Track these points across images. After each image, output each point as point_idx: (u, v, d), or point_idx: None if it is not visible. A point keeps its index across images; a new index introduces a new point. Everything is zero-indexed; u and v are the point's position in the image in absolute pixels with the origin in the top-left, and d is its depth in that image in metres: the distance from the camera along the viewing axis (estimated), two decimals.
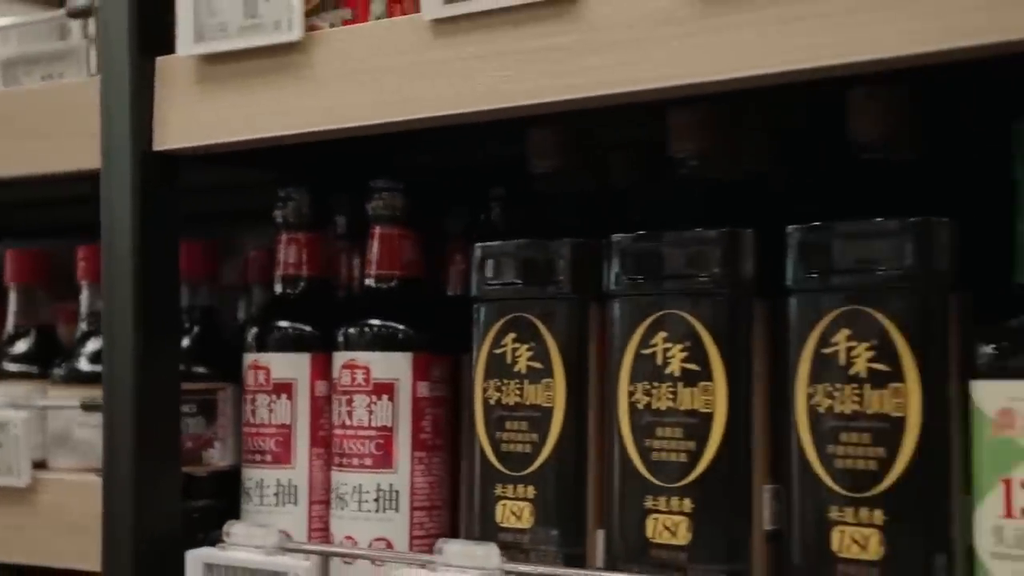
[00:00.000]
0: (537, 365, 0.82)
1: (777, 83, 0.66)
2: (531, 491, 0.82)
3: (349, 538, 0.90)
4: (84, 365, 1.09)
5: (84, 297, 1.13)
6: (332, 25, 0.86)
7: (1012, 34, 0.57)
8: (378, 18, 0.85)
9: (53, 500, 0.99)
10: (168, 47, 0.90)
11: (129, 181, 0.90)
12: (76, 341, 1.12)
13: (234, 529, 0.89)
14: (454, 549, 0.77)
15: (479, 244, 0.85)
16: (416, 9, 0.79)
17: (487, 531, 0.83)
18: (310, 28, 0.86)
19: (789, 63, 0.64)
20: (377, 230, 0.94)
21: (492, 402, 0.84)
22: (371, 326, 0.91)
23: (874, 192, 0.72)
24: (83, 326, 1.13)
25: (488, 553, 0.76)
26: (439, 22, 0.77)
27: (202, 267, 1.08)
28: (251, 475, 0.97)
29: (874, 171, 0.72)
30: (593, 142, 0.87)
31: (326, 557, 0.90)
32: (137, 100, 0.90)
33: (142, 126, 0.91)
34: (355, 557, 0.87)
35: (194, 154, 0.91)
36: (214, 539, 0.90)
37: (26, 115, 1.00)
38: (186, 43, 0.87)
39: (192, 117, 0.89)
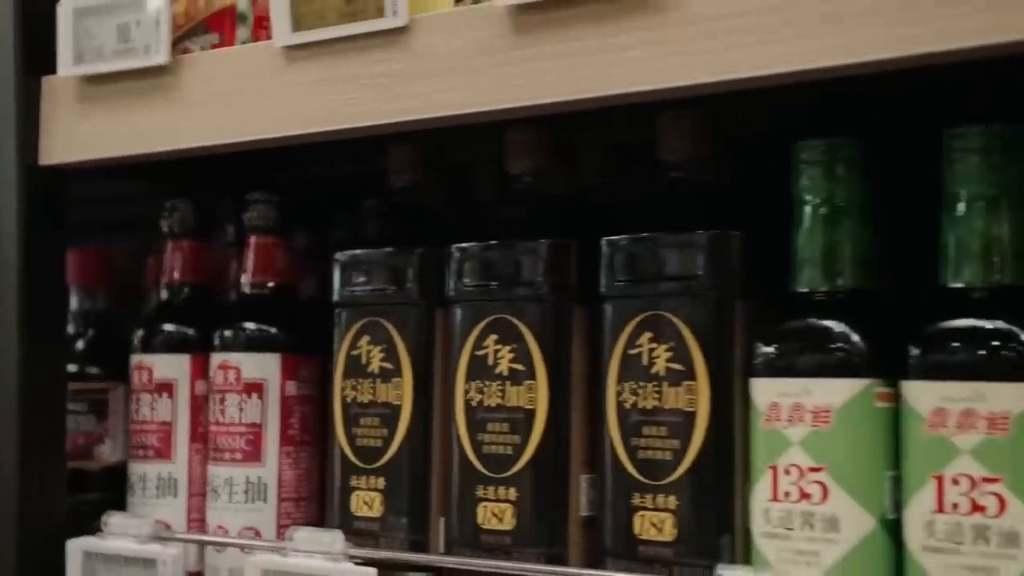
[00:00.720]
0: (388, 365, 0.88)
1: (583, 108, 0.73)
2: (381, 482, 0.88)
3: (221, 527, 0.96)
4: None
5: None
6: (202, 48, 0.92)
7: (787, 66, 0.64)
8: (244, 43, 0.91)
9: None
10: (53, 67, 0.96)
11: (15, 193, 0.96)
12: None
13: (112, 520, 0.95)
14: (302, 536, 0.84)
15: (339, 253, 0.92)
16: None
17: (344, 520, 0.89)
18: (183, 51, 0.92)
19: (579, 92, 0.70)
20: (252, 239, 1.00)
21: (349, 400, 0.90)
22: (243, 329, 0.98)
23: (680, 207, 0.79)
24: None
25: (333, 539, 0.83)
26: (289, 48, 0.83)
27: (96, 274, 1.14)
28: (135, 469, 1.03)
29: (679, 188, 0.79)
30: (447, 159, 0.93)
31: (200, 545, 0.96)
32: (23, 117, 0.96)
33: (28, 142, 0.96)
34: (222, 545, 0.93)
35: (80, 168, 0.97)
36: (95, 529, 0.96)
37: None
38: (66, 65, 0.93)
39: (74, 134, 0.95)
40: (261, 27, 0.92)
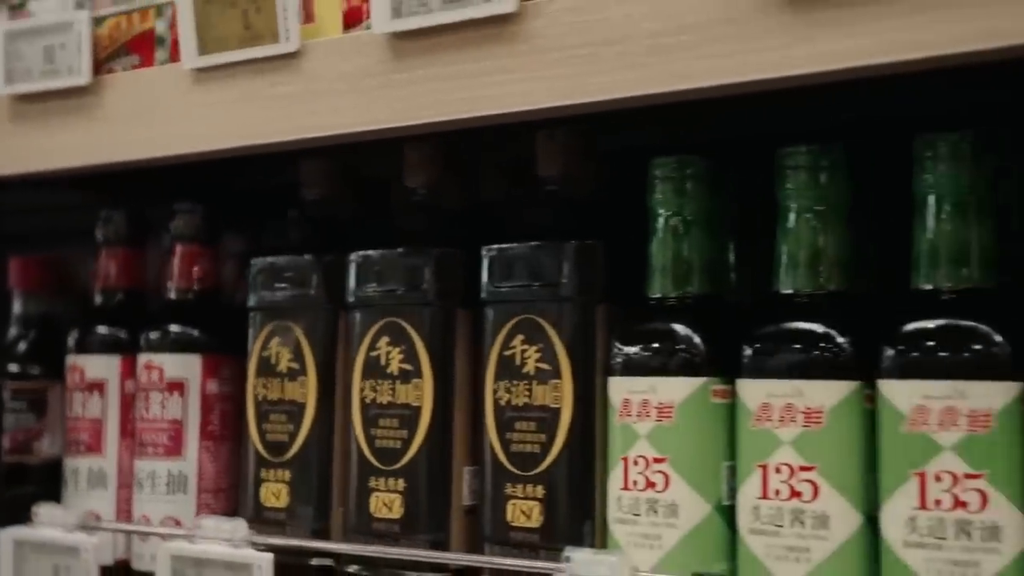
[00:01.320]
0: (295, 365, 0.95)
1: (455, 127, 0.79)
2: (288, 475, 0.94)
3: (145, 517, 1.02)
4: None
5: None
6: (124, 69, 0.98)
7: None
8: (162, 64, 0.97)
9: None
10: None
11: None
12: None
13: (41, 510, 1.01)
14: (209, 524, 0.90)
15: (253, 260, 0.98)
16: None
17: (256, 510, 0.95)
18: (108, 71, 0.98)
19: (451, 114, 0.77)
20: (177, 247, 1.06)
21: (260, 398, 0.96)
22: (166, 331, 1.04)
23: (555, 219, 0.85)
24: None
25: (235, 527, 0.89)
26: (196, 71, 0.89)
27: (38, 280, 1.20)
28: (69, 464, 1.09)
29: (553, 201, 0.85)
30: (353, 173, 1.00)
31: (127, 534, 1.03)
32: None
33: None
34: (139, 533, 0.99)
35: (14, 180, 1.03)
36: (27, 519, 1.02)
37: None
38: None
39: (7, 149, 1.01)
40: (177, 49, 0.98)
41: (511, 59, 0.74)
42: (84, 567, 0.97)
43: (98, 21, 1.00)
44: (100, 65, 0.99)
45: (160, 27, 0.98)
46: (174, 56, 0.98)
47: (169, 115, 0.91)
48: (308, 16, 0.87)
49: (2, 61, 0.99)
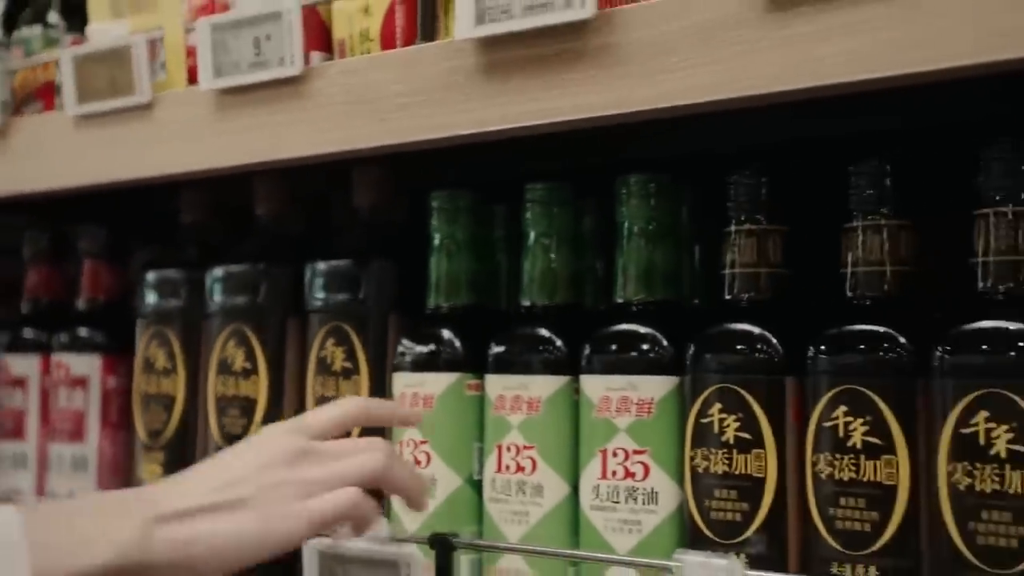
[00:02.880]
0: (168, 365, 1.10)
1: (263, 168, 0.95)
2: (163, 457, 1.10)
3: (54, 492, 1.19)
4: None
5: None
6: (31, 114, 1.14)
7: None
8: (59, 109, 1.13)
9: None
10: None
11: None
12: None
13: None
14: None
15: (146, 274, 1.14)
16: None
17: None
18: (20, 115, 1.14)
19: (258, 157, 0.92)
20: (86, 263, 1.23)
21: (139, 393, 1.12)
22: (73, 334, 1.20)
23: (367, 241, 1.00)
24: None
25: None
26: (77, 117, 1.05)
27: None
28: None
29: (369, 226, 1.00)
30: (220, 203, 1.15)
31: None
32: None
33: None
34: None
35: None
36: None
37: None
38: None
39: None
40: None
41: (302, 112, 0.89)
42: None
43: (10, 73, 1.16)
44: (17, 108, 1.16)
45: (59, 78, 1.13)
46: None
47: (63, 154, 1.07)
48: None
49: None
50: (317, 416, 0.79)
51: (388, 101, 0.84)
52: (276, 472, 0.75)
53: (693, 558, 0.71)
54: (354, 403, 0.82)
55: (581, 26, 0.74)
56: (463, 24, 0.79)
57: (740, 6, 0.68)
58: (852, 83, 0.63)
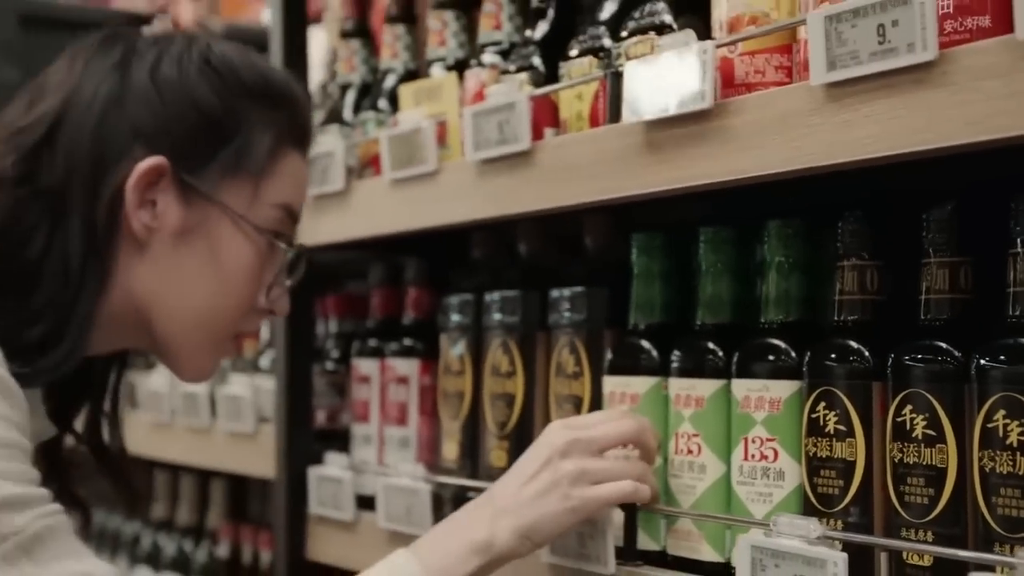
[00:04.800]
0: (459, 367, 1.39)
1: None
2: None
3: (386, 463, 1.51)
4: None
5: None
6: (369, 177, 1.47)
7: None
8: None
9: None
10: None
11: None
12: None
13: (329, 457, 1.52)
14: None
15: (446, 297, 1.44)
16: None
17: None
18: (359, 177, 1.48)
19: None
20: (409, 288, 1.55)
21: (442, 389, 1.42)
22: (400, 343, 1.52)
23: (591, 272, 1.24)
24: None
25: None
26: (392, 181, 1.36)
27: (342, 309, 1.73)
28: (356, 430, 1.60)
29: (592, 260, 1.24)
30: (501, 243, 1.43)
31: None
32: None
33: None
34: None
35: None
36: (319, 462, 1.54)
37: None
38: None
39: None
40: None
41: (533, 176, 1.15)
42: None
43: (355, 146, 1.49)
44: (360, 173, 1.49)
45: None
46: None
47: (378, 207, 1.39)
48: None
49: None
50: (602, 431, 1.04)
51: (585, 169, 1.08)
52: (561, 465, 1.02)
53: (785, 518, 0.90)
54: (631, 426, 1.05)
55: (705, 113, 0.95)
56: (628, 111, 1.02)
57: (807, 100, 0.87)
58: (875, 158, 0.81)
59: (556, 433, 1.05)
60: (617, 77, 1.06)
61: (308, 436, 1.61)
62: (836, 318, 0.97)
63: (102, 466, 1.16)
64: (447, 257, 1.57)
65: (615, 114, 1.08)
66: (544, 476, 1.03)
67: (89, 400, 1.15)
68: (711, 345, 1.07)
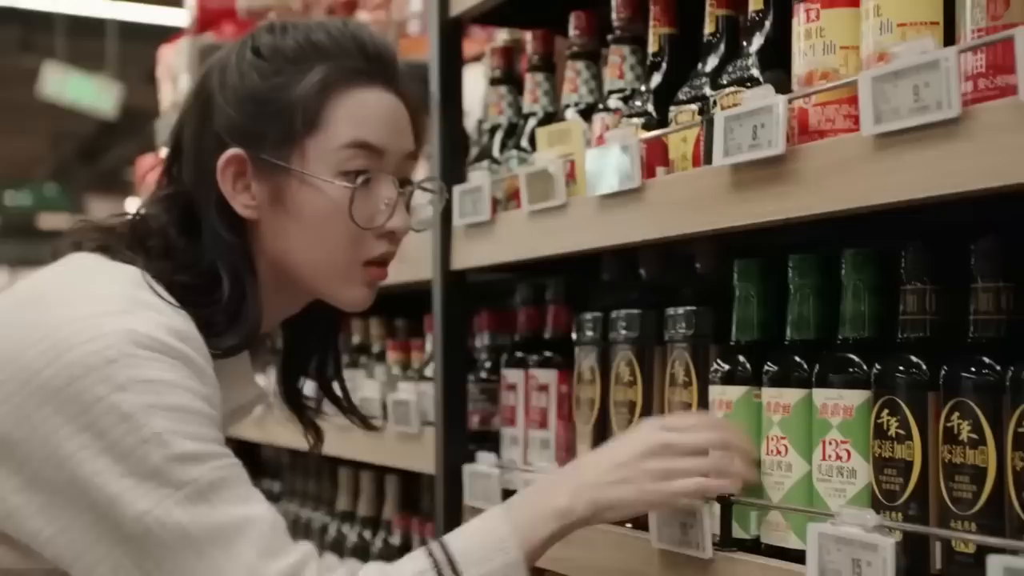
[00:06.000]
0: (590, 377, 1.54)
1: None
2: None
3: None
4: None
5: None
6: (511, 209, 1.64)
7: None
8: None
9: None
10: None
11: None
12: None
13: (480, 455, 1.69)
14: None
15: (580, 314, 1.59)
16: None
17: None
18: (505, 210, 1.65)
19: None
20: (550, 306, 1.70)
21: (575, 396, 1.57)
22: (540, 355, 1.68)
23: (699, 292, 1.37)
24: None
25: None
26: (531, 212, 1.52)
27: (494, 324, 1.90)
28: (505, 432, 1.76)
29: (701, 281, 1.37)
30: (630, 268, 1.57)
31: None
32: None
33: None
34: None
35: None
36: (472, 460, 1.71)
37: None
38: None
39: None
40: None
41: (643, 208, 1.29)
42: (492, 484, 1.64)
43: (501, 181, 1.66)
44: (505, 206, 1.66)
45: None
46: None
47: (512, 236, 1.55)
48: None
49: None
50: (688, 439, 1.18)
51: (685, 204, 1.22)
52: (647, 462, 1.17)
53: (848, 510, 1.02)
54: (713, 438, 1.18)
55: (779, 158, 1.07)
56: (718, 154, 1.15)
57: (860, 148, 0.98)
58: (913, 199, 0.92)
59: (650, 433, 1.19)
60: (710, 124, 1.19)
61: (463, 437, 1.78)
62: (899, 335, 1.08)
63: (331, 400, 1.36)
64: (586, 276, 1.72)
65: (708, 156, 1.21)
66: (630, 466, 1.18)
67: (317, 353, 1.35)
68: (797, 359, 1.18)
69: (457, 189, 1.71)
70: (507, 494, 1.66)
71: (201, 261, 1.19)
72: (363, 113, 1.21)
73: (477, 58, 2.15)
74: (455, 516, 1.77)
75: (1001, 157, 0.84)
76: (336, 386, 1.37)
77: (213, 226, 1.19)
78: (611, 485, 1.18)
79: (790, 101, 1.08)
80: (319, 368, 1.36)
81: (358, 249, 1.22)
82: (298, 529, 2.66)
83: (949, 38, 0.99)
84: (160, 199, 1.23)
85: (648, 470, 1.17)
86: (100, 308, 1.11)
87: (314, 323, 1.33)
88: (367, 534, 2.45)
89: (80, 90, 7.82)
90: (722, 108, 1.21)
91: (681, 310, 1.37)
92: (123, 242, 1.19)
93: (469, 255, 1.71)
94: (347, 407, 1.38)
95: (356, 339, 2.47)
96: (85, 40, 8.29)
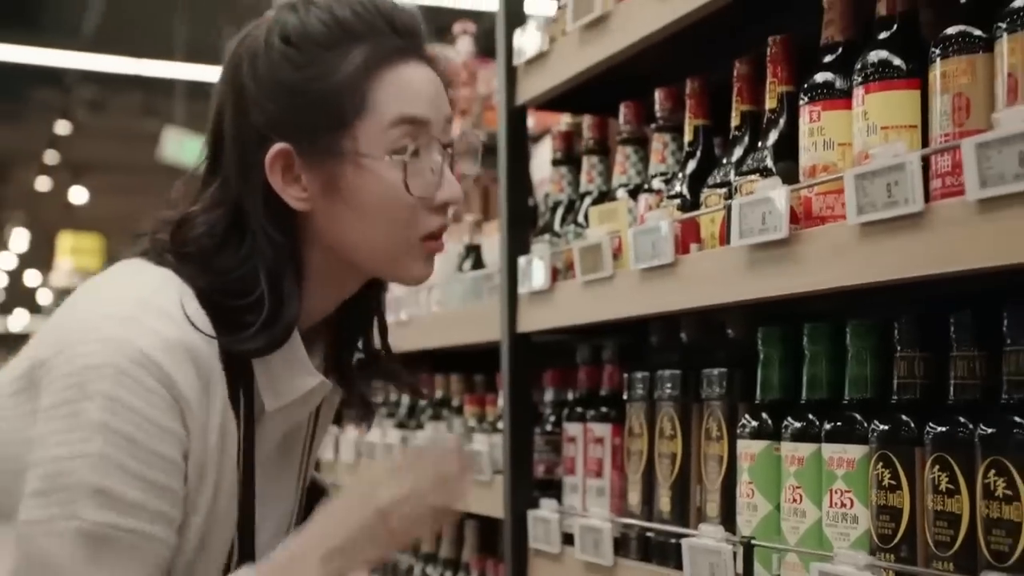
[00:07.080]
0: (639, 431, 1.68)
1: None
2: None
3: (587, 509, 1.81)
4: None
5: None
6: (569, 279, 1.79)
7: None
8: None
9: None
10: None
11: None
12: None
13: (543, 501, 1.84)
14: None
15: (628, 374, 1.73)
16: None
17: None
18: (563, 279, 1.81)
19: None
20: (606, 367, 1.85)
21: (626, 448, 1.71)
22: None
23: (729, 356, 1.50)
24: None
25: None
26: (584, 283, 1.68)
27: (557, 381, 2.05)
28: (567, 480, 1.90)
29: (731, 347, 1.51)
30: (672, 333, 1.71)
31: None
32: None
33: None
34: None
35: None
36: (536, 506, 1.85)
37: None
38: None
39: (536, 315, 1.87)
40: None
41: (678, 283, 1.43)
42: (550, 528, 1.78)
43: (561, 253, 1.81)
44: (564, 275, 1.81)
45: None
46: None
47: (570, 303, 1.70)
48: None
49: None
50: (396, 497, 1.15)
51: (711, 278, 1.36)
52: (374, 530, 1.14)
53: (842, 551, 1.14)
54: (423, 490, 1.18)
55: (783, 241, 1.21)
56: (736, 235, 1.29)
57: (848, 235, 1.11)
58: (892, 280, 1.05)
59: (362, 508, 1.15)
60: (729, 209, 1.33)
61: (529, 484, 1.93)
62: (894, 397, 1.20)
63: (380, 369, 1.32)
64: (638, 337, 1.86)
65: (728, 237, 1.35)
66: (360, 544, 1.14)
67: (366, 325, 1.31)
68: (810, 416, 1.31)
69: (522, 260, 1.87)
70: (567, 538, 1.80)
71: (242, 263, 1.15)
72: (406, 89, 1.18)
73: (546, 132, 2.33)
74: (521, 559, 1.91)
75: (954, 247, 0.97)
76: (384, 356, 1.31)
77: (261, 224, 1.16)
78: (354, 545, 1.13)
79: (792, 191, 1.22)
80: (367, 340, 1.31)
81: (416, 225, 1.19)
82: (387, 570, 2.82)
83: (928, 140, 1.12)
84: (204, 198, 1.19)
85: (379, 536, 1.14)
86: (107, 312, 1.12)
87: (360, 297, 1.28)
88: (448, 575, 2.60)
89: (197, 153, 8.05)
90: (741, 194, 1.35)
91: (715, 372, 1.50)
92: (165, 246, 1.17)
93: (532, 319, 1.87)
94: (395, 375, 1.33)
95: (439, 393, 2.64)
96: (204, 103, 8.61)
